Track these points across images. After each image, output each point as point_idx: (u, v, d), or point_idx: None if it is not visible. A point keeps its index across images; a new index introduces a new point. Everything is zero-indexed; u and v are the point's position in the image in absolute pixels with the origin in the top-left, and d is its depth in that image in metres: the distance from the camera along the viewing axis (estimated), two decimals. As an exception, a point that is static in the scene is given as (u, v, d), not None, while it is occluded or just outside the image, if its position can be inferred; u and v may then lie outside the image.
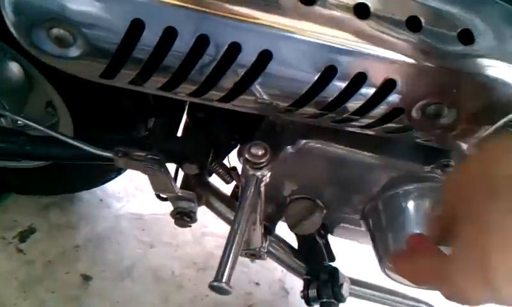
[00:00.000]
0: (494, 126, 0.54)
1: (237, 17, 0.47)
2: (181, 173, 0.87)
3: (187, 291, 1.23)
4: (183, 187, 0.86)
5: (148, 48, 0.49)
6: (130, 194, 1.42)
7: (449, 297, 0.39)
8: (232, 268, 0.52)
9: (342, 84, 0.51)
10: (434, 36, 0.49)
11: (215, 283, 0.51)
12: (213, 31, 0.48)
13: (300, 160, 0.72)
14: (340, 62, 0.49)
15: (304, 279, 0.94)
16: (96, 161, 0.87)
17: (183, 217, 0.90)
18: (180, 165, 0.81)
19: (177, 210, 0.89)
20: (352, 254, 1.17)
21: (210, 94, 0.54)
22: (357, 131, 0.60)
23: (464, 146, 0.58)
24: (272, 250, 0.94)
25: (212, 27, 0.48)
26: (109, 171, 1.16)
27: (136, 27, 0.47)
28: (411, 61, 0.49)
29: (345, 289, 0.89)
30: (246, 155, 0.57)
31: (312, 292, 0.89)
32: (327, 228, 0.91)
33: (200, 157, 0.80)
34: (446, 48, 0.49)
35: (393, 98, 0.52)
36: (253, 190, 0.58)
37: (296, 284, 1.29)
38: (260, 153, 0.57)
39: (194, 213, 0.89)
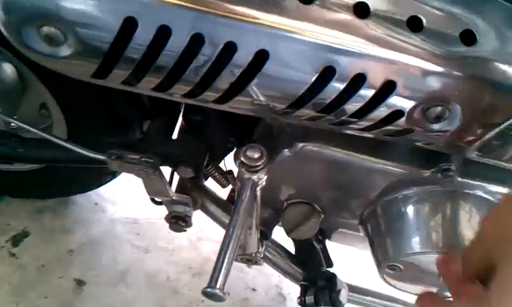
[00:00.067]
0: (496, 130, 0.53)
1: (233, 16, 0.46)
2: (176, 177, 0.86)
3: (183, 297, 1.22)
4: (178, 190, 0.85)
5: (141, 48, 0.48)
6: (126, 197, 1.41)
7: None
8: (227, 274, 0.51)
9: (341, 86, 0.50)
10: (436, 36, 0.48)
11: (208, 289, 0.50)
12: (208, 30, 0.47)
13: (297, 164, 0.71)
14: (339, 63, 0.48)
15: (301, 285, 0.93)
16: (90, 164, 0.86)
17: (178, 222, 0.88)
18: (175, 168, 0.80)
19: (172, 214, 0.88)
20: (350, 260, 1.15)
21: (205, 95, 0.53)
22: (356, 134, 0.59)
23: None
24: (268, 255, 0.93)
25: (207, 26, 0.47)
26: (104, 174, 1.15)
27: (129, 26, 0.46)
28: (411, 62, 0.48)
29: (343, 295, 0.88)
30: (242, 158, 0.56)
31: (309, 299, 0.88)
32: (324, 233, 0.90)
33: (195, 160, 0.79)
34: (448, 49, 0.48)
35: (393, 100, 0.51)
36: (248, 194, 0.57)
37: (293, 290, 1.27)
38: (256, 155, 0.56)
39: (190, 217, 0.89)
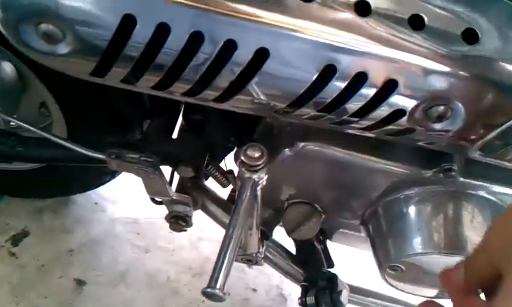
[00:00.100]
0: (499, 129, 0.52)
1: (233, 14, 0.46)
2: (176, 176, 0.85)
3: (183, 297, 1.21)
4: (178, 190, 0.85)
5: (139, 45, 0.47)
6: (126, 197, 1.40)
7: None
8: (227, 274, 0.51)
9: (342, 84, 0.49)
10: (438, 35, 0.47)
11: (208, 290, 0.49)
12: (207, 28, 0.46)
13: (298, 163, 0.71)
14: (340, 62, 0.48)
15: (302, 286, 0.93)
16: (90, 163, 0.85)
17: (178, 221, 0.88)
18: (175, 168, 0.80)
19: (172, 213, 0.87)
20: (352, 261, 1.15)
21: (205, 93, 0.53)
22: (357, 133, 0.58)
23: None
24: (269, 255, 0.93)
25: (206, 24, 0.46)
26: (104, 174, 1.15)
27: (128, 23, 0.46)
28: (413, 60, 0.47)
29: (344, 296, 0.88)
30: (242, 157, 0.56)
31: (310, 299, 0.88)
32: (325, 233, 0.90)
33: (195, 160, 0.79)
34: (450, 47, 0.47)
35: (395, 99, 0.50)
36: (249, 193, 0.57)
37: (294, 290, 1.27)
38: (256, 155, 0.56)
39: (190, 217, 0.88)
